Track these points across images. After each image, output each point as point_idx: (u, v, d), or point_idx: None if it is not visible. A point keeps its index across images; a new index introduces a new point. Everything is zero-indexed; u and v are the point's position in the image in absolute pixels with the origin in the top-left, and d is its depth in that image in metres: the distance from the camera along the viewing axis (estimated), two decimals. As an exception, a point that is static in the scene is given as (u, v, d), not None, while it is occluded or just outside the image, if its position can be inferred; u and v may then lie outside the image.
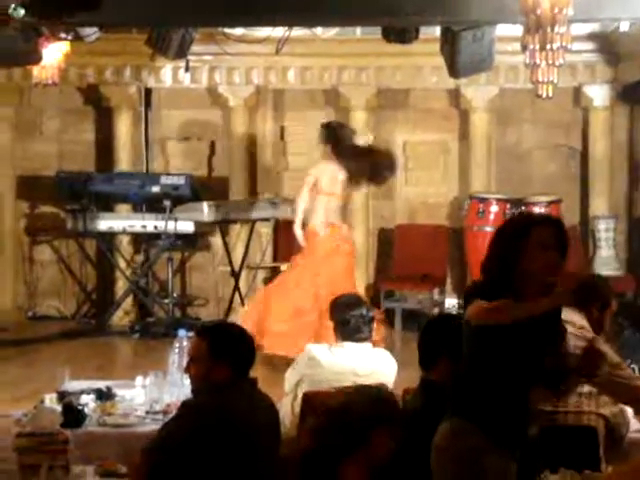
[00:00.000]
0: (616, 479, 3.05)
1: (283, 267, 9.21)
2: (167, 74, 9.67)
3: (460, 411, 3.43)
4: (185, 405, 3.76)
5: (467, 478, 3.37)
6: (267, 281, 9.83)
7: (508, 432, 3.39)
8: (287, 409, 5.21)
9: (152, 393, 5.15)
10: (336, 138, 7.84)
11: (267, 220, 9.52)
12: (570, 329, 4.13)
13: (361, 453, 3.08)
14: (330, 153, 7.80)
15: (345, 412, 3.12)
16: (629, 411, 4.64)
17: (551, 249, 3.43)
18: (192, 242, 9.59)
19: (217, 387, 3.67)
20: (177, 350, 5.34)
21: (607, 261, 9.21)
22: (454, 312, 9.11)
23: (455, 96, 9.65)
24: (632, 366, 6.27)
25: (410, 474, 3.39)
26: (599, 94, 9.36)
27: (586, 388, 4.37)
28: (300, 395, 5.04)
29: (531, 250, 3.41)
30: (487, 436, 3.36)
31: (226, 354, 3.69)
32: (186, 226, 9.10)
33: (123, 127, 9.77)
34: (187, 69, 9.23)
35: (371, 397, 3.22)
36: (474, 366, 3.43)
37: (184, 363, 4.71)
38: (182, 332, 5.46)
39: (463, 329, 3.51)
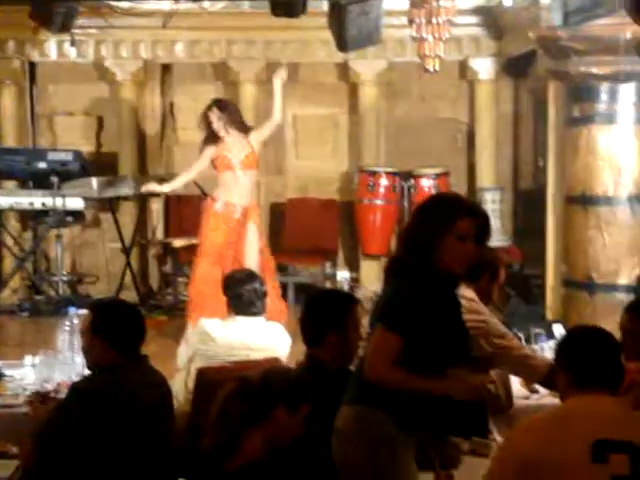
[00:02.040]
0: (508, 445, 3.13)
1: (175, 243, 9.17)
2: (52, 48, 9.46)
3: (365, 398, 3.42)
4: (73, 388, 3.74)
5: (379, 464, 3.38)
6: (159, 258, 9.78)
7: (417, 420, 3.41)
8: (180, 385, 5.20)
9: (42, 372, 5.07)
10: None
11: (158, 196, 9.44)
12: (461, 302, 4.22)
13: (261, 427, 3.11)
14: (238, 129, 7.59)
15: (259, 385, 3.14)
16: (513, 380, 4.74)
17: (469, 240, 3.45)
18: (81, 219, 9.45)
19: (105, 367, 3.66)
20: (67, 328, 5.28)
21: (494, 232, 9.36)
22: (341, 287, 9.20)
23: (344, 70, 9.70)
24: (518, 334, 6.46)
25: (303, 453, 3.39)
26: (484, 67, 9.51)
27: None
28: (193, 370, 5.03)
29: (450, 241, 3.43)
30: (397, 424, 3.37)
31: (104, 329, 3.69)
32: (75, 202, 8.96)
33: (7, 102, 9.56)
34: (72, 43, 9.04)
35: (289, 379, 3.25)
36: None
37: (75, 341, 4.68)
38: (72, 310, 5.39)
39: (373, 321, 3.50)
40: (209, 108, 7.56)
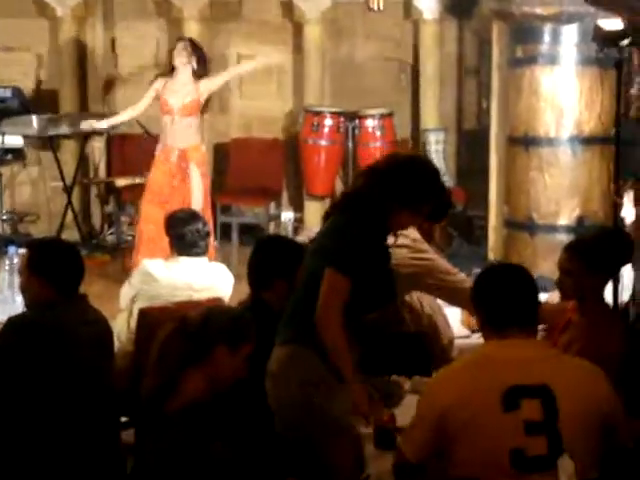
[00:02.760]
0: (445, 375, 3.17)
1: (118, 182, 9.08)
2: (-11, -19, 9.27)
3: (296, 338, 3.44)
4: (8, 322, 3.73)
5: (310, 404, 3.40)
6: (101, 197, 9.69)
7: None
8: (123, 325, 5.19)
9: (-18, 312, 5.04)
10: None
11: (100, 134, 9.33)
12: (404, 241, 4.26)
13: (202, 367, 3.11)
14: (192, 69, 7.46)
15: (199, 324, 3.14)
16: (453, 319, 4.79)
17: (423, 219, 3.63)
18: (22, 157, 9.31)
19: (42, 303, 3.65)
20: (7, 267, 5.25)
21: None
22: (285, 227, 9.21)
23: (288, 8, 9.60)
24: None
25: (245, 394, 3.40)
26: (428, 7, 9.46)
27: (413, 296, 4.49)
28: (136, 311, 5.02)
29: (405, 212, 3.50)
30: (323, 362, 3.39)
31: (41, 268, 3.68)
32: (14, 140, 8.83)
33: (-57, 37, 9.36)
34: (9, -24, 8.86)
35: (230, 317, 3.23)
36: (313, 293, 3.41)
37: (15, 280, 4.64)
38: (12, 249, 5.36)
39: (306, 258, 3.52)
40: (185, 42, 7.48)
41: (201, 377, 3.09)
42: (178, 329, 3.13)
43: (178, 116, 7.42)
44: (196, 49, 7.50)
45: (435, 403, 2.97)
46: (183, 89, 7.42)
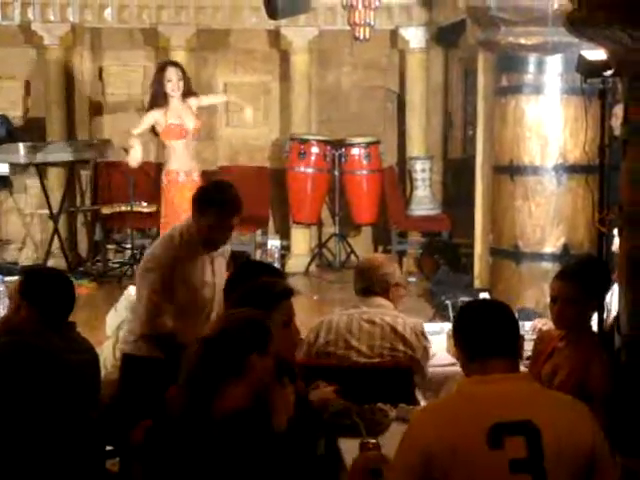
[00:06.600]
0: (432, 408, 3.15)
1: (104, 210, 9.09)
2: (-24, 10, 9.30)
3: None
4: None
5: None
6: (88, 225, 9.68)
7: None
8: (109, 352, 5.19)
9: (-32, 340, 5.01)
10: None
11: (86, 162, 9.34)
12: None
13: (240, 379, 3.04)
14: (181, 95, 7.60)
15: (221, 339, 3.07)
16: (440, 347, 4.76)
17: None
18: (8, 184, 9.32)
19: (31, 332, 3.64)
20: (-7, 295, 5.25)
21: (424, 201, 9.48)
22: (272, 254, 9.23)
23: (275, 37, 9.66)
24: (446, 302, 6.54)
25: None
26: (415, 36, 9.55)
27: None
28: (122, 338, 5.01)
29: None
30: None
31: (32, 295, 3.68)
32: (1, 168, 8.83)
33: None
34: (-3, 6, 8.90)
35: (246, 326, 3.16)
36: None
37: (1, 307, 4.64)
38: (-2, 277, 5.35)
39: None
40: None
41: (243, 389, 3.01)
42: (204, 354, 3.04)
43: (190, 139, 7.62)
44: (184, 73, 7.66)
45: (417, 444, 2.87)
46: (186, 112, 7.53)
